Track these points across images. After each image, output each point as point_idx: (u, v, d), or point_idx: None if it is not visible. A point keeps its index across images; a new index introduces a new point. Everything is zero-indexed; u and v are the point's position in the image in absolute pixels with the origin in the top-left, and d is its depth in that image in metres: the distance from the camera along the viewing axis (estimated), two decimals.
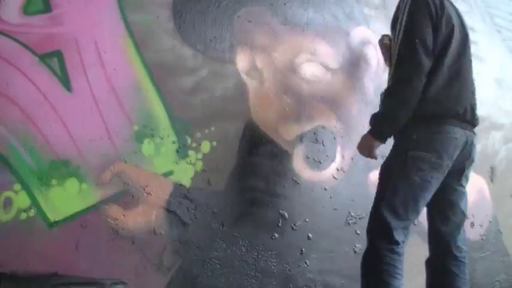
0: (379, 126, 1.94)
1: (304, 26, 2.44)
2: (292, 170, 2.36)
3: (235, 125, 2.25)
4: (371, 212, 1.96)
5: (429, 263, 2.09)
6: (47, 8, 1.92)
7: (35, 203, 1.87)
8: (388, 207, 1.87)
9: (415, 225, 2.63)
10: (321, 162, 2.42)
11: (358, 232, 2.47)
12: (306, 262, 2.38)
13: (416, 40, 1.83)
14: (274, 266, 2.29)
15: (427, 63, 1.84)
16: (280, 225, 2.32)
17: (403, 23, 1.87)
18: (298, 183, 2.37)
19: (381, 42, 2.34)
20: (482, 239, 2.92)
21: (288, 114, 2.36)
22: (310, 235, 2.39)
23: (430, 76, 1.87)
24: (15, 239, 1.83)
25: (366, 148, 1.98)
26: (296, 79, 2.39)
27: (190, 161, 2.14)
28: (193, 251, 2.14)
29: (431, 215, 2.07)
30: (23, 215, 1.85)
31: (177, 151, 2.12)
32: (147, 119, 2.06)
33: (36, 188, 1.87)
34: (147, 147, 2.06)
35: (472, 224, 2.87)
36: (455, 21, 1.95)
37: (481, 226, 2.92)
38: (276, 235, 2.31)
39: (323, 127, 2.43)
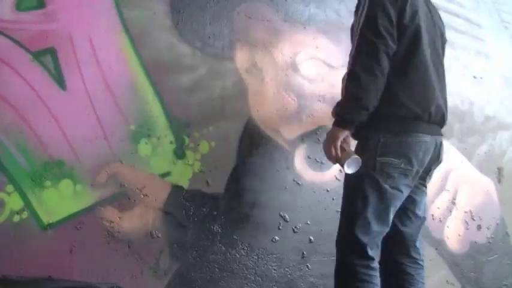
0: (345, 113, 1.78)
1: (305, 22, 2.44)
2: (293, 171, 2.36)
3: (234, 124, 2.25)
4: (340, 225, 1.87)
5: (384, 265, 1.91)
6: (40, 3, 1.91)
7: (28, 204, 1.86)
8: (358, 222, 1.78)
9: None
10: (323, 163, 2.41)
11: None
12: (307, 266, 2.38)
13: (379, 21, 1.75)
14: (274, 269, 2.29)
15: (390, 45, 1.75)
16: (280, 227, 2.32)
17: (366, 5, 1.80)
18: (299, 184, 2.37)
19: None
20: (489, 242, 2.92)
21: (289, 113, 2.36)
22: (311, 238, 2.39)
23: (397, 76, 1.80)
24: (7, 241, 1.83)
25: (330, 142, 1.79)
26: (297, 77, 2.39)
27: (188, 161, 2.14)
28: (191, 255, 2.14)
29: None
30: (16, 217, 1.84)
31: (175, 151, 2.12)
32: (143, 119, 2.06)
33: (30, 189, 1.87)
34: (144, 147, 2.06)
35: (479, 227, 2.87)
36: (422, 14, 1.87)
37: (488, 229, 2.92)
38: (277, 238, 2.31)
39: (325, 127, 2.43)
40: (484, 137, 2.95)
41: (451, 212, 2.76)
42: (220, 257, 2.19)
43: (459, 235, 2.79)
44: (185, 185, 2.13)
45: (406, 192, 1.85)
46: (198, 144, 2.16)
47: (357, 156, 1.75)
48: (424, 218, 2.01)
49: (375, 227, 1.79)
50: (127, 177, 2.03)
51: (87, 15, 1.98)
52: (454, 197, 2.78)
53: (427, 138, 1.84)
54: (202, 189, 2.16)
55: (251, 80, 2.29)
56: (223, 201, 2.21)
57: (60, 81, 1.93)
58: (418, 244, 1.97)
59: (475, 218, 2.84)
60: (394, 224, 1.91)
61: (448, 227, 2.74)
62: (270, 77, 2.31)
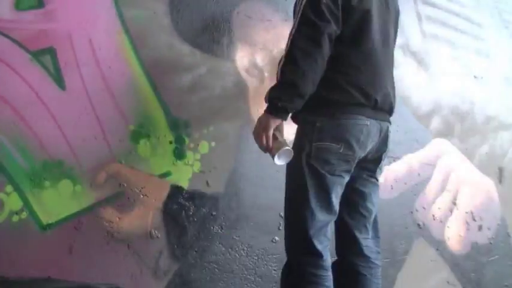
0: (278, 100, 1.62)
1: None
2: None
3: (234, 124, 2.25)
4: (285, 219, 1.78)
5: (336, 266, 1.81)
6: (39, 3, 1.91)
7: (27, 205, 1.87)
8: (302, 212, 1.67)
9: (420, 228, 2.63)
10: None
11: None
12: None
13: (323, 1, 1.61)
14: (275, 270, 2.29)
15: (333, 28, 1.63)
16: (281, 228, 2.31)
17: None
18: None
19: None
20: (490, 243, 2.92)
21: None
22: None
23: (340, 61, 1.69)
24: (6, 242, 1.83)
25: (261, 131, 1.66)
26: None
27: (188, 161, 2.14)
28: (191, 255, 2.14)
29: (339, 209, 1.79)
30: (15, 218, 1.85)
31: (175, 152, 2.12)
32: (143, 119, 2.06)
33: (29, 189, 1.87)
34: (143, 147, 2.06)
35: (480, 227, 2.86)
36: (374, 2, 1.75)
37: (489, 229, 2.91)
38: (277, 238, 2.31)
39: None
40: (485, 137, 2.95)
41: (451, 212, 2.75)
42: (220, 258, 2.19)
43: (460, 236, 2.79)
44: (185, 185, 2.13)
45: (347, 177, 1.74)
46: (198, 144, 2.16)
47: (288, 147, 1.66)
48: (374, 213, 1.86)
49: (320, 216, 1.68)
50: (126, 177, 2.03)
51: (87, 14, 1.98)
52: (454, 197, 2.77)
53: (369, 121, 1.71)
54: (202, 190, 2.16)
55: (251, 80, 2.29)
56: (223, 202, 2.20)
57: (59, 81, 1.93)
58: (370, 242, 1.84)
59: (476, 219, 2.84)
60: (343, 221, 1.82)
61: (448, 227, 2.74)
62: (270, 77, 2.31)
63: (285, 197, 1.77)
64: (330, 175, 1.68)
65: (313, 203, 1.67)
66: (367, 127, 1.71)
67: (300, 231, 1.68)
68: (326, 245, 1.71)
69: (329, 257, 1.71)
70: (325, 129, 1.68)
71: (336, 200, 1.72)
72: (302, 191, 1.68)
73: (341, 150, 1.67)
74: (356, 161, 1.73)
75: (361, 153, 1.73)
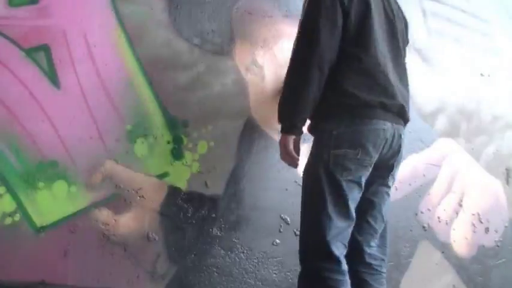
0: (287, 116, 1.81)
1: None
2: (295, 172, 2.35)
3: (234, 123, 2.25)
4: (301, 227, 1.83)
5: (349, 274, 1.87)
6: None
7: (20, 207, 1.87)
8: (320, 219, 1.73)
9: (425, 230, 2.63)
10: None
11: None
12: None
13: (320, 19, 1.74)
14: (275, 273, 2.29)
15: (327, 59, 1.74)
16: (281, 230, 2.32)
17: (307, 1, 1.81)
18: (300, 185, 2.36)
19: None
20: (498, 246, 2.92)
21: None
22: None
23: (346, 67, 1.78)
24: None
25: (283, 151, 1.83)
26: None
27: (186, 162, 2.14)
28: (189, 258, 2.14)
29: None
30: (8, 220, 1.84)
31: (172, 152, 2.12)
32: (140, 118, 2.06)
33: (22, 191, 1.87)
34: (140, 147, 2.06)
35: (487, 230, 2.86)
36: (375, 4, 1.85)
37: (496, 232, 2.91)
38: (278, 241, 2.31)
39: None
40: (491, 136, 2.95)
41: (457, 214, 2.75)
42: (219, 261, 2.19)
43: (466, 238, 2.79)
44: (183, 186, 2.13)
45: (364, 182, 1.79)
46: (197, 144, 2.16)
47: None
48: (383, 224, 1.92)
49: (338, 222, 1.73)
50: (123, 178, 2.03)
51: (82, 10, 1.98)
52: (461, 199, 2.77)
53: (385, 125, 1.79)
54: (201, 191, 2.16)
55: (251, 77, 2.29)
56: (223, 203, 2.20)
57: (53, 79, 1.93)
58: (375, 250, 1.89)
59: (482, 221, 2.84)
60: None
61: (454, 230, 2.74)
62: (270, 75, 2.31)
63: (302, 203, 1.83)
64: (348, 181, 1.74)
65: (331, 209, 1.73)
66: (384, 131, 1.78)
67: (317, 237, 1.73)
68: (343, 252, 1.76)
69: (344, 261, 1.74)
70: (342, 136, 1.75)
71: (353, 206, 1.78)
72: (320, 198, 1.74)
73: (358, 156, 1.74)
74: (372, 165, 1.79)
75: (376, 157, 1.79)
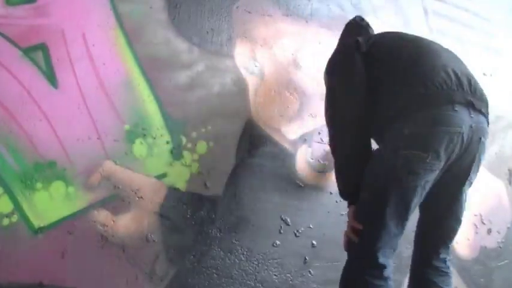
0: (340, 190, 1.88)
1: (308, 17, 2.44)
2: (295, 172, 2.36)
3: (233, 123, 2.25)
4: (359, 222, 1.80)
5: (411, 274, 1.93)
6: None
7: (18, 207, 1.86)
8: (373, 222, 1.69)
9: None
10: (326, 164, 2.41)
11: None
12: (309, 271, 2.37)
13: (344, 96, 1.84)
14: (275, 275, 2.29)
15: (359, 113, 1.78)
16: (282, 231, 2.32)
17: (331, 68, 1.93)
18: (301, 186, 2.37)
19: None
20: (500, 247, 2.92)
21: (290, 112, 2.36)
22: (314, 242, 2.38)
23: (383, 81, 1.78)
24: None
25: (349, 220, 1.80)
26: (299, 74, 2.39)
27: (186, 162, 2.14)
28: (188, 259, 2.14)
29: (423, 221, 1.90)
30: (5, 221, 1.84)
31: (171, 152, 2.12)
32: (138, 118, 2.06)
33: (20, 191, 1.87)
34: (139, 147, 2.06)
35: (489, 231, 2.86)
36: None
37: (499, 233, 2.91)
38: (278, 242, 2.31)
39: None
40: (494, 137, 2.95)
41: None
42: (218, 262, 2.19)
43: (468, 239, 2.79)
44: (182, 187, 2.13)
45: (427, 188, 1.71)
46: (196, 145, 2.16)
47: None
48: (458, 229, 1.91)
49: (393, 229, 1.68)
50: (121, 178, 2.02)
51: (80, 9, 1.98)
52: None
53: (463, 126, 1.65)
54: (200, 191, 2.16)
55: (251, 77, 2.29)
56: (222, 204, 2.20)
57: (51, 78, 1.93)
58: (443, 254, 1.88)
59: (485, 222, 2.84)
60: (423, 231, 1.90)
61: None
62: (270, 74, 2.31)
63: (359, 202, 1.77)
64: (413, 186, 1.65)
65: (389, 214, 1.66)
66: (460, 135, 1.66)
67: (368, 241, 1.70)
68: (390, 257, 1.72)
69: (391, 267, 1.73)
70: (415, 136, 1.64)
71: (411, 213, 1.72)
72: (380, 201, 1.67)
73: (428, 160, 1.63)
74: (440, 171, 1.69)
75: (444, 162, 1.68)
